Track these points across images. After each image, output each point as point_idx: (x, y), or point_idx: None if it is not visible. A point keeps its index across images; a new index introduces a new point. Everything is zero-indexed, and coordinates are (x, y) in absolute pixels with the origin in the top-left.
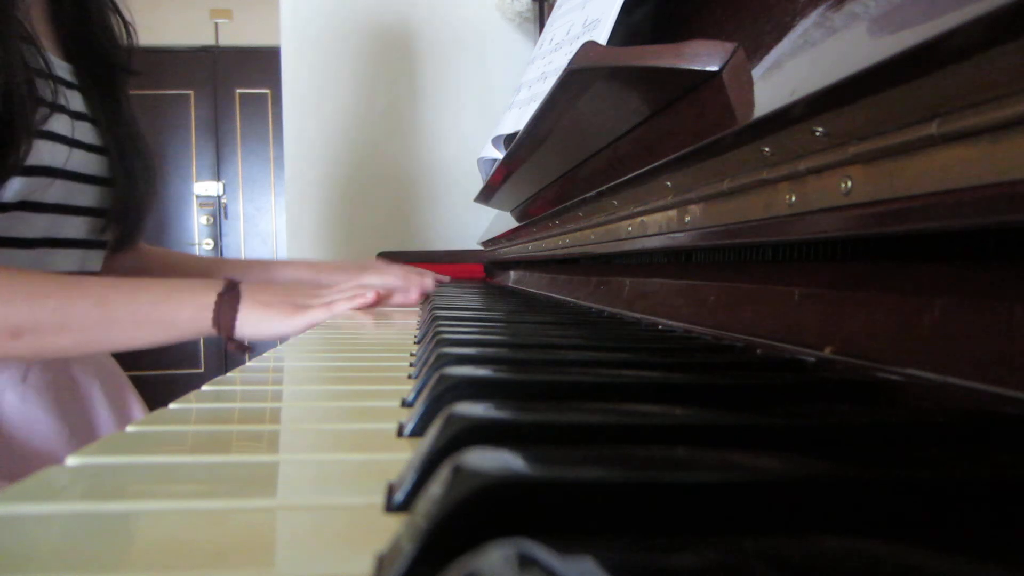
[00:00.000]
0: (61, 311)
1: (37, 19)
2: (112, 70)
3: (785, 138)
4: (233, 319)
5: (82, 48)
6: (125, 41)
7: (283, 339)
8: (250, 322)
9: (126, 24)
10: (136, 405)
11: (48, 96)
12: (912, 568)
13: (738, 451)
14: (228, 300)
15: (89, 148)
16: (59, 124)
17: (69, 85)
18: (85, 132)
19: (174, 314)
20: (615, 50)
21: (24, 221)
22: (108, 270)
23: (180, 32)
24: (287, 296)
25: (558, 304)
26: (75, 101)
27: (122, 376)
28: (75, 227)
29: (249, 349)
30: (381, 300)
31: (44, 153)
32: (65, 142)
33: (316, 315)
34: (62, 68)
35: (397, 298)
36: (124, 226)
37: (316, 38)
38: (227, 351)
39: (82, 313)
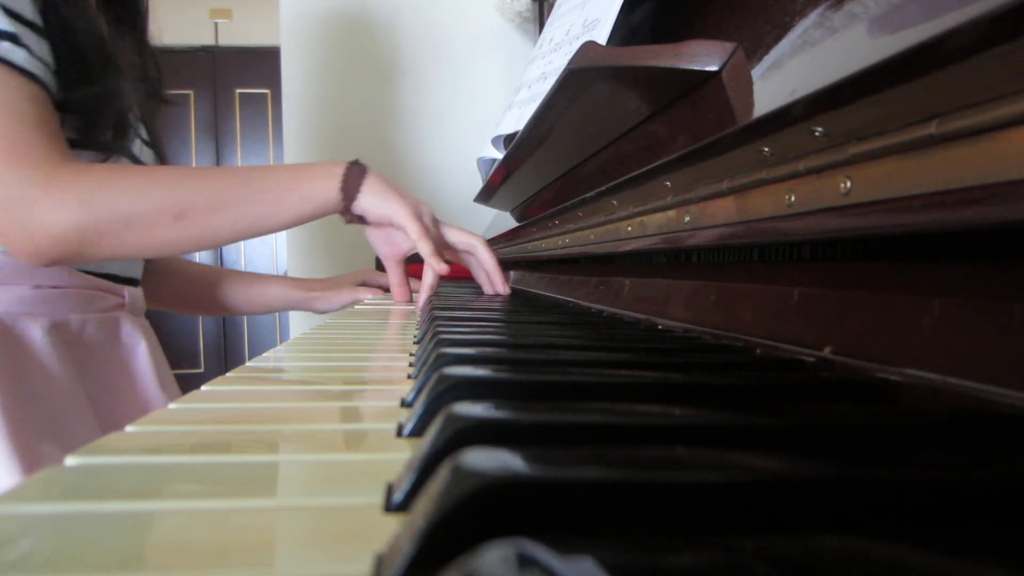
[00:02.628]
0: (215, 190)
1: None
2: (152, 93)
3: (785, 138)
4: (358, 187)
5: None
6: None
7: (390, 224)
8: (372, 193)
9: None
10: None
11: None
12: (912, 568)
13: (737, 451)
14: (355, 171)
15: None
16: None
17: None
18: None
19: (309, 184)
20: (614, 50)
21: None
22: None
23: (180, 32)
24: (410, 195)
25: (558, 304)
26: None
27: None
28: None
29: (363, 222)
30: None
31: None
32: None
33: (423, 244)
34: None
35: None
36: None
37: (316, 38)
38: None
39: (232, 191)
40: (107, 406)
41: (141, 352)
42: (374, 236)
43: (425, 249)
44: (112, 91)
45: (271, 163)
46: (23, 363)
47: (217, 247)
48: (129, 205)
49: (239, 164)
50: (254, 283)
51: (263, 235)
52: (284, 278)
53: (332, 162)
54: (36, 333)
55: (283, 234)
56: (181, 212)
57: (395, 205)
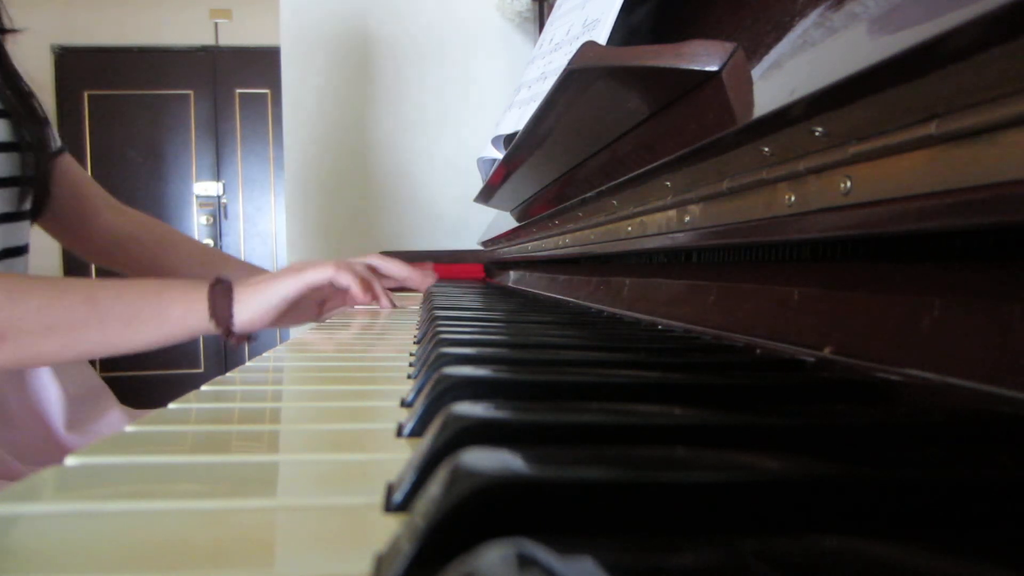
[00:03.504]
0: (46, 310)
1: None
2: None
3: (785, 138)
4: (230, 308)
5: None
6: None
7: (285, 311)
8: (248, 306)
9: None
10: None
11: None
12: (912, 568)
13: (737, 451)
14: (221, 291)
15: None
16: None
17: None
18: None
19: (166, 310)
20: (614, 50)
21: None
22: (92, 234)
23: (180, 32)
24: (276, 274)
25: (558, 304)
26: None
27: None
28: None
29: (252, 340)
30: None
31: None
32: None
33: (313, 275)
34: None
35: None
36: (39, 190)
37: (316, 38)
38: (227, 347)
39: (68, 311)
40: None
41: (47, 381)
42: (290, 320)
43: (356, 292)
44: None
45: (270, 163)
46: None
47: (54, 364)
48: None
49: (239, 163)
50: (244, 271)
51: (110, 356)
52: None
53: (194, 283)
54: None
55: (282, 229)
56: (1, 333)
57: (274, 296)
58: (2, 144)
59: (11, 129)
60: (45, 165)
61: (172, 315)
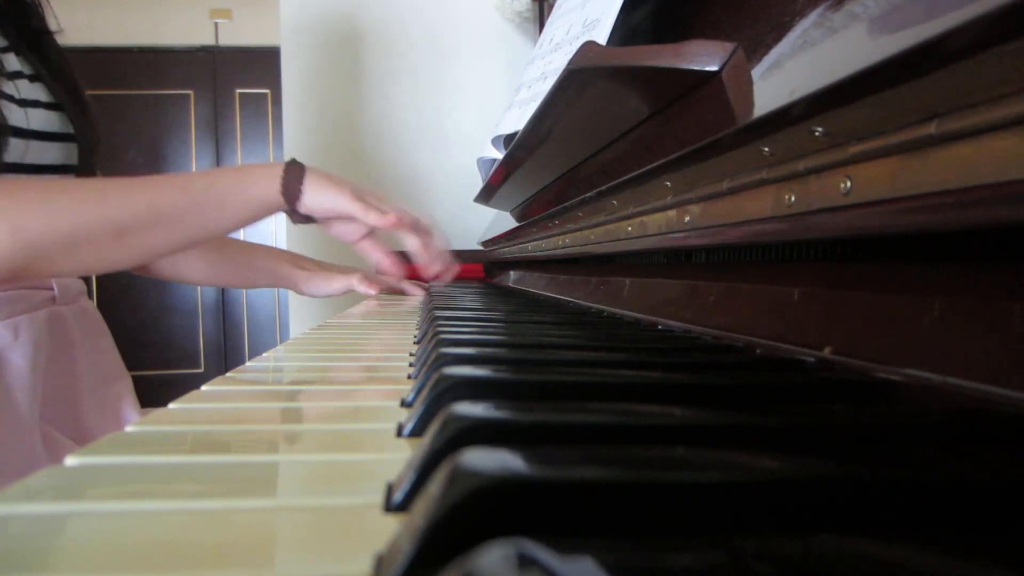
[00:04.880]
0: (154, 204)
1: None
2: (31, 27)
3: (785, 138)
4: (300, 187)
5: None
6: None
7: (337, 215)
8: (314, 190)
9: None
10: (125, 387)
11: None
12: (912, 568)
13: (738, 451)
14: (294, 172)
15: (45, 105)
16: (6, 85)
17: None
18: (34, 90)
19: (248, 190)
20: (614, 50)
21: None
22: None
23: (180, 32)
24: (347, 181)
25: (558, 304)
26: (10, 61)
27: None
28: None
29: (312, 221)
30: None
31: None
32: (14, 101)
33: (371, 216)
34: None
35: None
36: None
37: (316, 38)
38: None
39: (172, 203)
40: (64, 415)
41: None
42: (334, 228)
43: (374, 220)
44: None
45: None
46: None
47: (160, 259)
48: (66, 227)
49: (239, 164)
50: (245, 252)
51: (206, 241)
52: (275, 249)
53: (270, 164)
54: None
55: (282, 227)
56: (121, 229)
57: (336, 196)
58: (60, 134)
59: (66, 122)
60: (93, 157)
61: (254, 195)
